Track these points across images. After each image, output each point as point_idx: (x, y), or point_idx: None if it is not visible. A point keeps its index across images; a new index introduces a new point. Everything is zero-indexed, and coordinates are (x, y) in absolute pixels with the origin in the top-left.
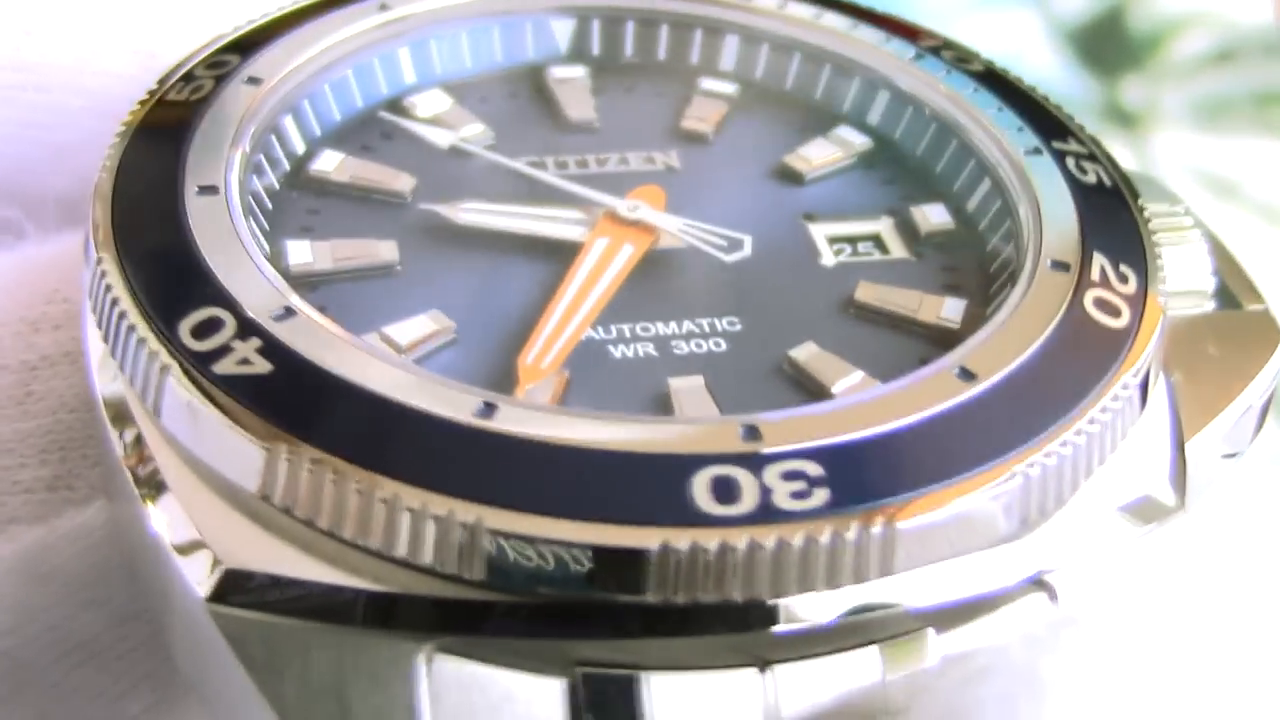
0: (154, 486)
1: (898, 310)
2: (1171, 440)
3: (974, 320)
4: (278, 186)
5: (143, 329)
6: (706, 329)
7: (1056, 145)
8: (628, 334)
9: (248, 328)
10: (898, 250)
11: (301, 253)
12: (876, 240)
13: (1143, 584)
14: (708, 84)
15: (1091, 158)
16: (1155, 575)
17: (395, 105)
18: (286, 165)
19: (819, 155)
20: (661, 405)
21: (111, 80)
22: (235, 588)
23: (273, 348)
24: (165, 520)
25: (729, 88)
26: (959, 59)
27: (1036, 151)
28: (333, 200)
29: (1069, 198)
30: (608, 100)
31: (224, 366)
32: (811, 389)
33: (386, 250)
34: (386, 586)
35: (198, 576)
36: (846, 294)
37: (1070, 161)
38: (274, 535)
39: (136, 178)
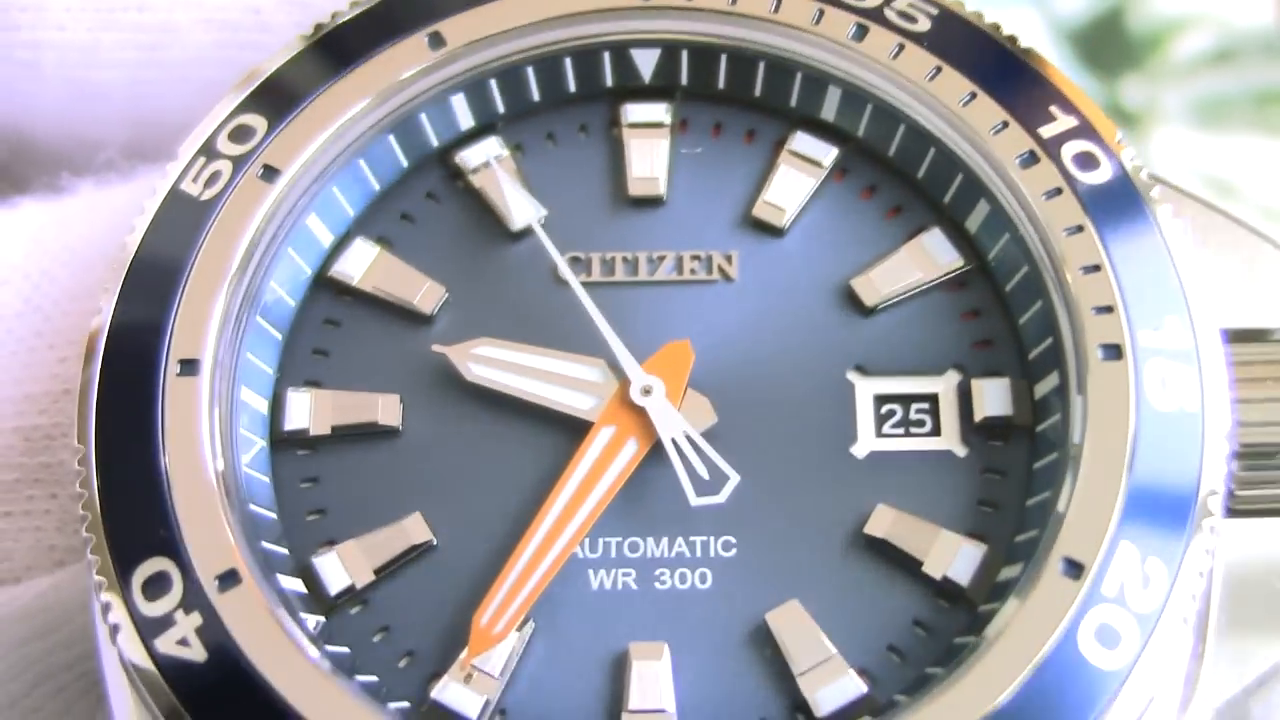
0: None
1: (907, 552)
2: None
3: (983, 581)
4: (292, 304)
5: (102, 563)
6: (698, 554)
7: (1146, 341)
8: (613, 554)
9: (192, 595)
10: (948, 432)
11: (300, 414)
12: (932, 406)
13: None
14: (801, 143)
15: (1188, 357)
16: None
17: (444, 159)
18: (309, 271)
19: (894, 280)
20: (619, 673)
21: None
22: None
23: (210, 629)
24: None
25: (824, 152)
26: (1082, 160)
27: (1115, 353)
28: (355, 311)
29: (1128, 440)
30: (686, 149)
31: (165, 644)
32: (777, 668)
33: (389, 411)
34: None
35: None
36: (861, 517)
37: (1154, 368)
38: None
39: (126, 333)
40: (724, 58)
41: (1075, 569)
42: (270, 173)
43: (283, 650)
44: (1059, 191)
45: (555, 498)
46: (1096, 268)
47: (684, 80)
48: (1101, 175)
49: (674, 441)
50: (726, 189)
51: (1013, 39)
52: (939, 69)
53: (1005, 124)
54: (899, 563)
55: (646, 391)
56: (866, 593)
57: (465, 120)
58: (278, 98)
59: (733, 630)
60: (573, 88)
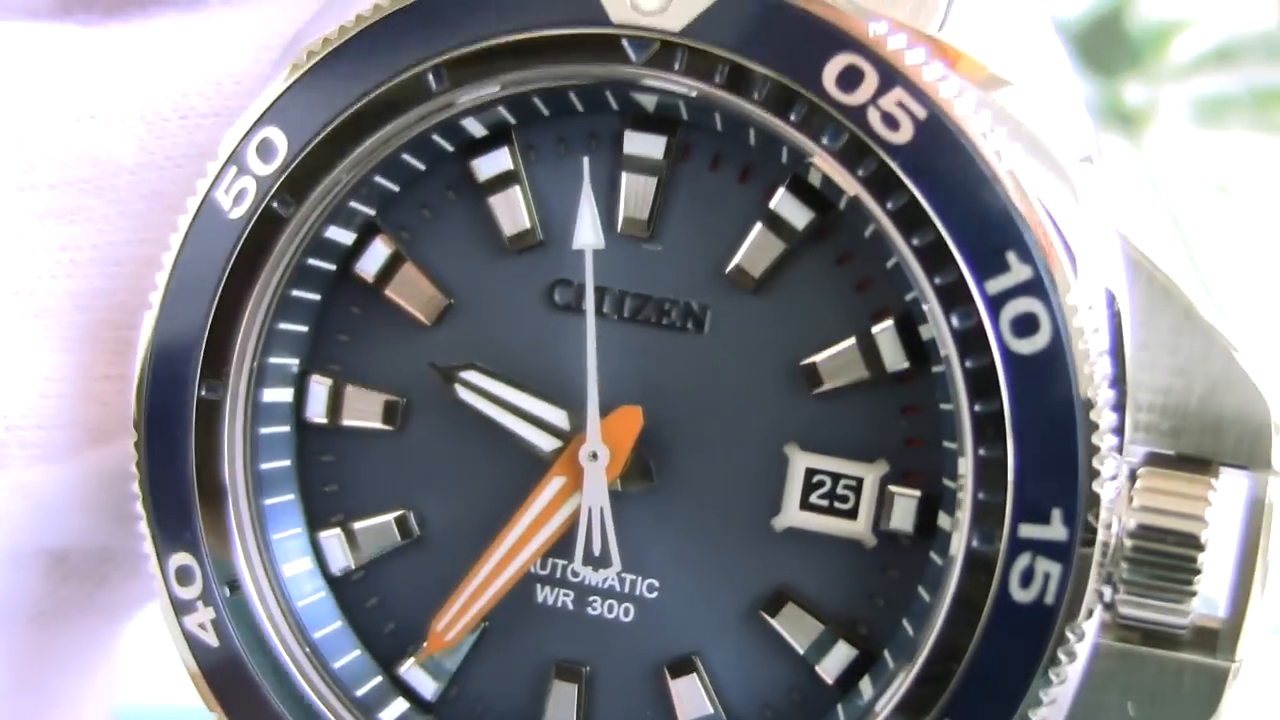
0: None
1: (789, 640)
2: None
3: (850, 679)
4: (317, 299)
5: (149, 544)
6: (627, 589)
7: (1025, 532)
8: (558, 575)
9: (208, 592)
10: (863, 520)
11: (318, 405)
12: (856, 489)
13: None
14: (782, 203)
15: (1062, 551)
16: None
17: (461, 160)
18: (332, 268)
19: (841, 373)
20: (544, 685)
21: None
22: None
23: (220, 626)
24: None
25: (801, 217)
26: (1020, 324)
27: (988, 540)
28: (373, 302)
29: (973, 637)
30: (679, 184)
31: (190, 623)
32: (667, 713)
33: (390, 412)
34: None
35: None
36: (766, 590)
37: (1021, 564)
38: None
39: (165, 351)
40: (717, 115)
41: None
42: (287, 203)
43: (271, 650)
44: (985, 354)
45: (510, 530)
46: (996, 446)
47: (685, 117)
48: (1035, 343)
49: (589, 511)
50: (714, 233)
51: (999, 153)
52: (901, 197)
53: (954, 275)
54: (783, 645)
55: (593, 457)
56: (756, 658)
57: (477, 130)
58: (298, 114)
59: (641, 667)
60: (581, 109)
